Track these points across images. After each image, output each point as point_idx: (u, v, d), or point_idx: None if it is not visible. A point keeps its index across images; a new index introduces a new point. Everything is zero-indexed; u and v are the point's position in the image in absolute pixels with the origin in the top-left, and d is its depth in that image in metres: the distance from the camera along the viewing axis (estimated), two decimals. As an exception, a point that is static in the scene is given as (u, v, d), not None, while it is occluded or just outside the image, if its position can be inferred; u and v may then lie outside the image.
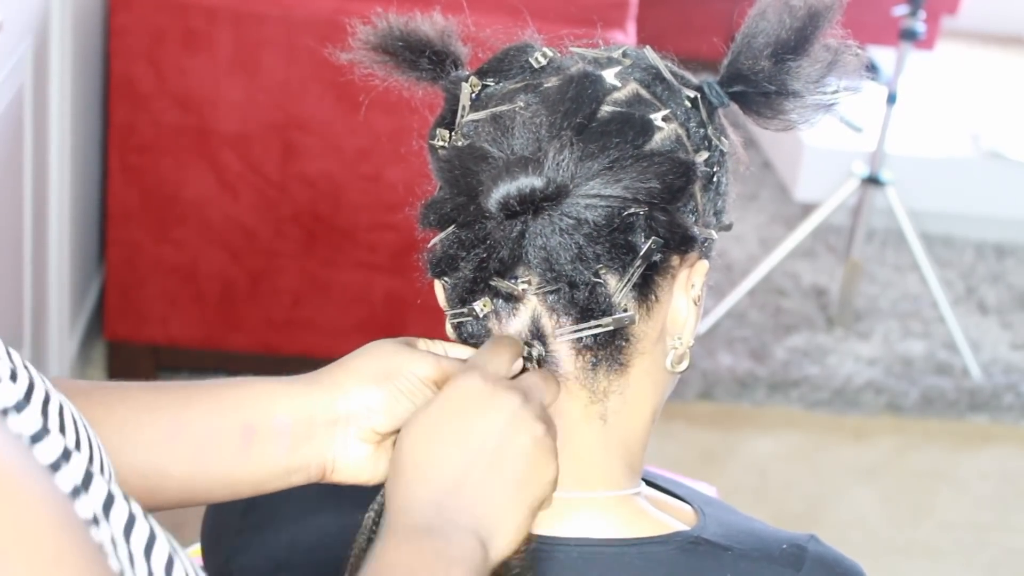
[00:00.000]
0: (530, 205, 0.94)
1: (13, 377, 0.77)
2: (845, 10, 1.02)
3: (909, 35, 3.22)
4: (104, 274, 2.91)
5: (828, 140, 3.83)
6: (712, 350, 3.30)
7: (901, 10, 3.25)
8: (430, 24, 1.05)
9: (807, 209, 3.77)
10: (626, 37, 2.73)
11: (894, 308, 3.58)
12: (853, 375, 3.28)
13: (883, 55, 4.24)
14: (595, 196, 0.94)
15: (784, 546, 1.02)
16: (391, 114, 2.53)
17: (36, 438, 0.71)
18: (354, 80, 1.07)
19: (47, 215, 2.59)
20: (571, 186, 0.94)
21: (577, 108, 0.95)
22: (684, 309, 1.01)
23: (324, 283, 2.82)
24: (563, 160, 0.93)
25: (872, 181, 3.39)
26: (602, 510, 0.99)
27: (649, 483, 1.09)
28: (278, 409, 0.97)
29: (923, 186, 3.77)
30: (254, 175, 2.73)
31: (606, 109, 0.97)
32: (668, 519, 1.02)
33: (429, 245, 1.01)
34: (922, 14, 3.23)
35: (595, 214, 0.95)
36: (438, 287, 1.03)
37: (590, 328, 0.97)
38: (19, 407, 0.72)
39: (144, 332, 2.85)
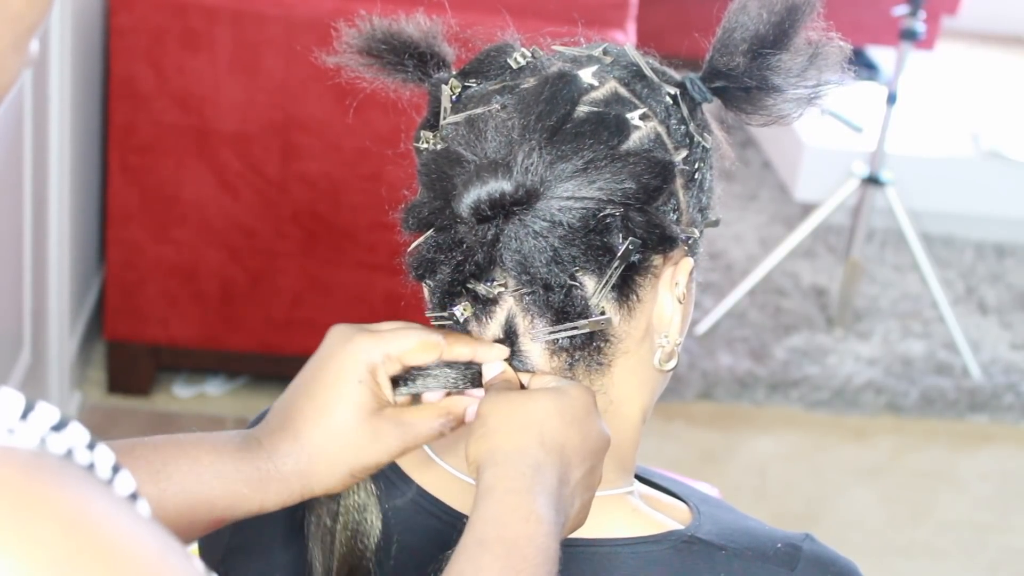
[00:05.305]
0: (501, 209, 0.92)
1: (116, 468, 0.71)
2: (845, 10, 1.01)
3: (909, 35, 3.22)
4: (104, 274, 2.91)
5: (828, 140, 3.82)
6: (712, 350, 3.30)
7: (901, 10, 3.24)
8: (414, 26, 1.04)
9: (807, 209, 3.76)
10: (626, 37, 2.72)
11: (894, 308, 3.57)
12: (853, 375, 3.28)
13: (883, 55, 4.24)
14: (569, 198, 0.93)
15: (779, 545, 1.01)
16: (391, 114, 2.52)
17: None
18: (354, 80, 1.07)
19: (47, 215, 2.59)
20: (542, 189, 0.93)
21: (551, 110, 0.94)
22: (669, 308, 1.00)
23: (324, 283, 2.82)
24: (532, 163, 0.92)
25: (872, 181, 3.39)
26: (594, 510, 0.98)
27: (645, 480, 1.08)
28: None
29: (923, 186, 3.77)
30: (254, 175, 2.73)
31: (582, 109, 0.96)
32: (662, 518, 1.01)
33: (410, 248, 1.00)
34: (922, 14, 3.23)
35: (570, 216, 0.93)
36: (424, 289, 1.03)
37: (565, 330, 0.96)
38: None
39: (144, 332, 2.85)
